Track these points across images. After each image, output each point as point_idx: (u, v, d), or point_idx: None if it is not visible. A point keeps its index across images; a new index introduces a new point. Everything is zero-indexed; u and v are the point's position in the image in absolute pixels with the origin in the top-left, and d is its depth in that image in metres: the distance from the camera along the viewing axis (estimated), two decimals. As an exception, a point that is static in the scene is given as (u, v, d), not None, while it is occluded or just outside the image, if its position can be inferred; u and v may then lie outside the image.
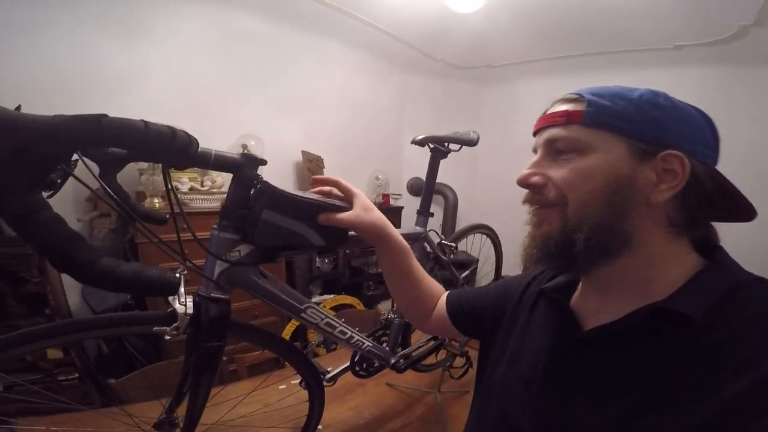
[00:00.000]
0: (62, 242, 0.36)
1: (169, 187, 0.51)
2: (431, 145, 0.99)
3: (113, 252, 1.85)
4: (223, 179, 2.15)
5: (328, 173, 2.73)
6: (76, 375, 1.53)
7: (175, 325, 0.59)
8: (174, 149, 0.44)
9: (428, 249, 1.05)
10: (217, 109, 2.24)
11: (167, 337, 0.60)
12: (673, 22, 2.26)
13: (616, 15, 2.27)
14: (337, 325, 0.83)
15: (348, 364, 1.07)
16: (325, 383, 0.94)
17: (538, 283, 0.60)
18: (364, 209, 0.65)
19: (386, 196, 3.15)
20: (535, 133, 0.52)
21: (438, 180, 3.75)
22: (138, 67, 1.95)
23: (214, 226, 0.62)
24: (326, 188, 0.68)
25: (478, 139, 0.96)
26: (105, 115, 0.38)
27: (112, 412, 0.83)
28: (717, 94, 2.44)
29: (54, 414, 1.69)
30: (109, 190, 0.43)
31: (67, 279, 1.72)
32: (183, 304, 0.60)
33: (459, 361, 1.25)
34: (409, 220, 3.26)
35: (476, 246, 1.38)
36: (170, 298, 0.60)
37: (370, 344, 0.94)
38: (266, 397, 1.08)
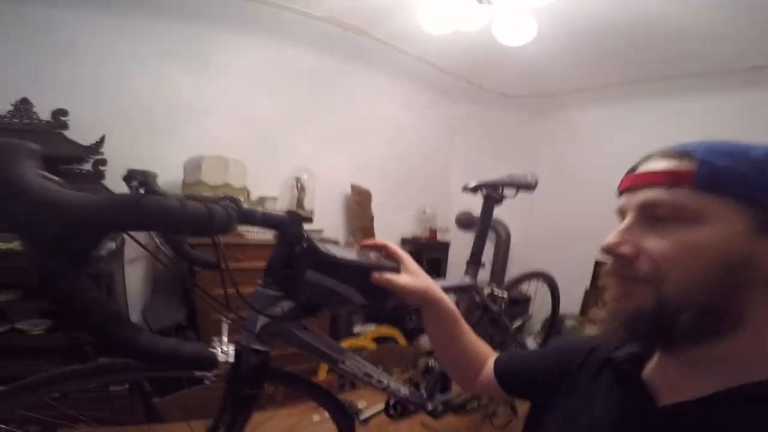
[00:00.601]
0: (104, 322, 0.37)
1: (217, 242, 0.52)
2: (484, 191, 0.94)
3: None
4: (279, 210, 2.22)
5: (376, 207, 2.73)
6: (126, 386, 1.58)
7: (215, 372, 0.58)
8: (213, 227, 0.44)
9: (477, 299, 0.98)
10: (273, 142, 2.34)
11: (206, 382, 0.60)
12: (746, 40, 2.05)
13: (678, 36, 2.11)
14: (375, 375, 0.83)
15: (383, 405, 1.04)
16: (358, 424, 0.90)
17: (605, 350, 0.54)
18: (414, 274, 0.64)
19: (434, 231, 3.08)
20: (622, 192, 0.46)
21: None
22: (204, 101, 2.11)
23: (259, 282, 0.62)
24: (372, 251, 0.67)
25: (536, 183, 0.89)
26: (143, 196, 0.39)
27: (155, 429, 0.85)
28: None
29: (101, 424, 1.76)
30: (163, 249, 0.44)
31: (130, 295, 1.85)
32: (225, 352, 0.59)
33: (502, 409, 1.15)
34: (457, 255, 3.21)
35: (531, 292, 1.27)
36: (214, 344, 0.60)
37: (407, 392, 0.92)
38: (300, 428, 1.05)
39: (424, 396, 1.01)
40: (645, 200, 0.41)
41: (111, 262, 1.59)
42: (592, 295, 3.07)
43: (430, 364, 1.03)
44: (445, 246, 3.13)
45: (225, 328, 0.64)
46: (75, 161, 1.58)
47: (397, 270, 0.64)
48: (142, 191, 0.43)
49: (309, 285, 0.58)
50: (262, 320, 0.61)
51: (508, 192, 0.94)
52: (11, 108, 1.54)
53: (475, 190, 0.94)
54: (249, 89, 2.26)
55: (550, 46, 2.32)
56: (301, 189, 2.33)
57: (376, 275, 0.61)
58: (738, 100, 2.38)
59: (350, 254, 0.62)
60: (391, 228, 2.96)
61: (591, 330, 2.97)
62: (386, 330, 2.48)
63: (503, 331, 1.05)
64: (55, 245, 0.32)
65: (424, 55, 2.64)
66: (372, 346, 2.12)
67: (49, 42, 1.69)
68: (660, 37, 2.15)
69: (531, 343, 1.25)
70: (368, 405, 1.00)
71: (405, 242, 3.06)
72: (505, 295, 0.98)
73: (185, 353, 0.46)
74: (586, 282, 3.10)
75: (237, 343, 0.63)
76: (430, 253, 3.02)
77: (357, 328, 2.51)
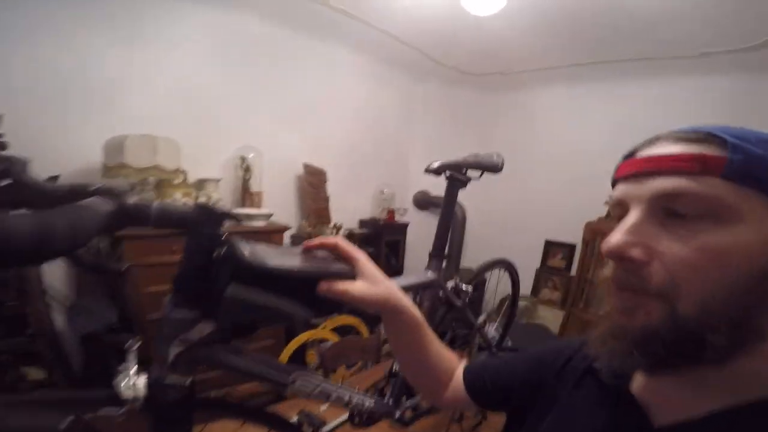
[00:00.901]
0: None
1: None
2: (448, 173, 0.83)
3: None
4: (221, 194, 2.01)
5: (331, 187, 2.59)
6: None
7: (122, 410, 0.46)
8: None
9: (441, 295, 0.90)
10: (214, 119, 2.10)
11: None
12: (701, 28, 2.12)
13: (642, 21, 2.13)
14: (333, 392, 0.71)
15: (347, 415, 0.96)
16: None
17: (583, 358, 0.48)
18: (372, 278, 0.51)
19: (391, 212, 3.01)
20: (620, 178, 0.37)
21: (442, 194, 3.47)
22: (137, 74, 1.83)
23: (168, 298, 0.48)
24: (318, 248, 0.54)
25: (502, 164, 0.81)
26: None
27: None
28: (745, 102, 2.30)
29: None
30: None
31: (52, 298, 1.59)
32: (130, 386, 0.46)
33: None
34: (415, 236, 3.18)
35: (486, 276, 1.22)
36: (115, 381, 0.47)
37: (371, 403, 0.82)
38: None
39: (391, 403, 0.94)
40: (661, 190, 0.32)
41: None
42: (543, 275, 3.18)
43: (394, 368, 0.95)
44: (403, 227, 3.08)
45: (132, 352, 0.50)
46: None
47: (350, 275, 0.51)
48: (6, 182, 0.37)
49: (233, 302, 0.44)
50: (177, 347, 0.48)
51: (472, 174, 0.85)
52: None
53: (438, 171, 0.83)
54: (185, 60, 1.98)
55: (515, 21, 2.24)
56: (246, 169, 2.12)
57: (324, 286, 0.48)
58: (691, 83, 2.48)
59: (290, 258, 0.49)
60: (347, 210, 2.85)
61: (543, 312, 3.09)
62: (347, 319, 2.38)
63: (467, 326, 0.99)
64: None
65: (386, 27, 2.46)
66: (332, 337, 2.02)
67: None
68: (619, 20, 2.14)
69: (492, 332, 1.21)
70: (329, 411, 0.90)
71: (363, 224, 2.98)
72: (470, 289, 0.91)
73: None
74: (537, 262, 3.20)
75: (150, 377, 0.49)
76: (389, 234, 2.96)
77: (315, 319, 2.39)
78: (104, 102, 1.73)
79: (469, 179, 0.84)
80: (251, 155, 2.14)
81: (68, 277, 1.72)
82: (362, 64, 2.80)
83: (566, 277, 3.08)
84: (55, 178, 1.50)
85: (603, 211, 2.84)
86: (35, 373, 1.43)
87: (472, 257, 2.32)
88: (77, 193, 0.39)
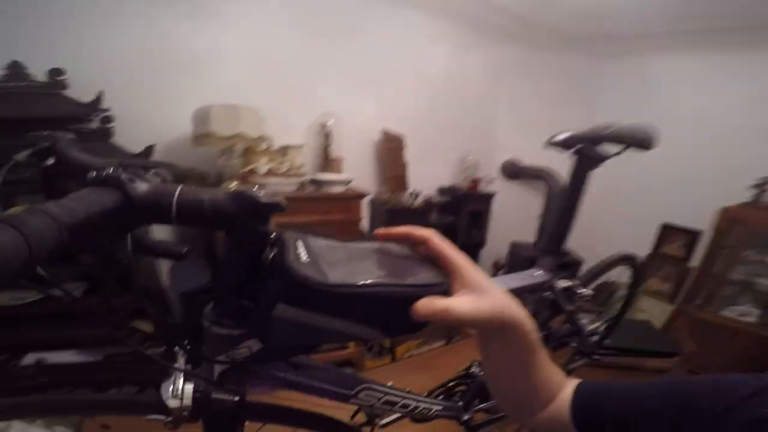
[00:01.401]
0: None
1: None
2: (579, 148, 0.64)
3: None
4: (303, 160, 2.01)
5: (410, 154, 2.46)
6: (164, 349, 1.59)
7: (169, 419, 0.43)
8: None
9: (550, 296, 0.73)
10: (295, 87, 2.07)
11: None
12: None
13: None
14: (399, 400, 0.64)
15: None
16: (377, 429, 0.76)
17: (760, 404, 0.32)
18: (480, 290, 0.36)
19: (475, 180, 2.78)
20: None
21: (538, 163, 3.16)
22: (214, 46, 1.85)
23: (209, 308, 0.42)
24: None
25: (656, 139, 0.59)
26: None
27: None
28: None
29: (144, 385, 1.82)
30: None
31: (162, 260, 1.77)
32: (178, 396, 0.42)
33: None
34: (501, 207, 2.93)
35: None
36: (163, 386, 0.43)
37: (439, 408, 0.75)
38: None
39: (460, 404, 0.84)
40: None
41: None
42: (654, 263, 2.72)
43: (472, 369, 0.83)
44: (488, 197, 2.85)
45: (182, 356, 0.45)
46: (78, 120, 1.47)
47: (445, 288, 0.37)
48: (50, 162, 0.34)
49: (283, 325, 0.35)
50: (222, 365, 0.42)
51: (609, 149, 0.64)
52: (4, 72, 1.42)
53: (568, 145, 0.64)
54: (263, 31, 1.96)
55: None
56: (326, 136, 2.09)
57: (421, 308, 0.34)
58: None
59: (359, 265, 0.37)
60: (426, 177, 2.71)
61: (647, 303, 2.67)
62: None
63: (574, 332, 0.82)
64: None
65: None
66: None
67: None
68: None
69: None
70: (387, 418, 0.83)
71: (443, 192, 2.83)
72: (590, 293, 0.73)
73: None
74: (646, 247, 2.74)
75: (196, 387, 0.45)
76: (471, 204, 2.76)
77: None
78: (193, 75, 1.79)
79: (604, 157, 0.64)
80: (331, 121, 2.09)
81: (170, 238, 1.89)
82: (444, 26, 2.53)
83: (683, 268, 2.60)
84: (150, 147, 1.60)
85: (744, 196, 2.30)
86: (145, 327, 1.61)
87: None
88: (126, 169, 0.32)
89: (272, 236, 0.35)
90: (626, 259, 0.87)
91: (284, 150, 1.97)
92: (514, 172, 3.29)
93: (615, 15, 2.35)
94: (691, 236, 2.57)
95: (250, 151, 1.80)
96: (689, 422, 0.35)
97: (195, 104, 1.65)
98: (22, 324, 1.54)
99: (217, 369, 0.43)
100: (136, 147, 1.58)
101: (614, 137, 0.60)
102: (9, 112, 1.33)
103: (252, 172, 1.77)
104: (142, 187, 0.31)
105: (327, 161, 2.10)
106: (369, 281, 0.34)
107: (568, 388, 0.45)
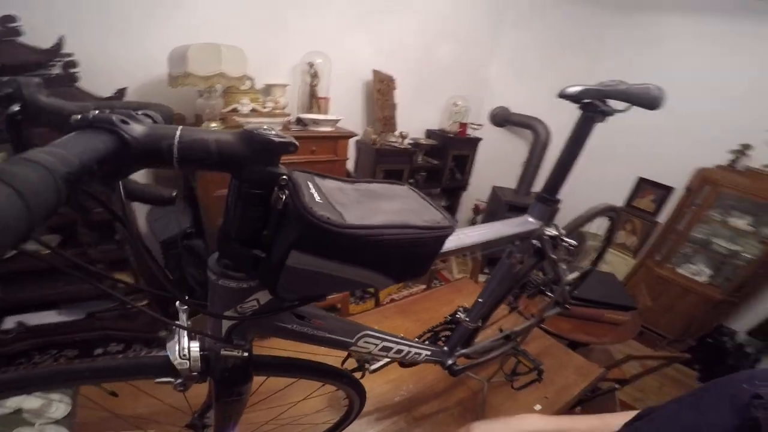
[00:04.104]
0: None
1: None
2: (588, 102, 0.64)
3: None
4: (287, 99, 1.92)
5: (400, 95, 2.40)
6: (146, 302, 1.58)
7: (179, 381, 0.42)
8: None
9: (537, 245, 0.77)
10: (281, 24, 1.90)
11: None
12: None
13: None
14: (394, 346, 0.68)
15: None
16: (368, 374, 0.80)
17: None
18: None
19: (463, 125, 2.77)
20: None
21: (527, 113, 3.15)
22: None
23: (213, 260, 0.40)
24: None
25: (663, 99, 0.59)
26: None
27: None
28: None
29: (129, 342, 1.76)
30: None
31: (136, 206, 1.70)
32: (185, 356, 0.42)
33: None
34: (486, 153, 2.91)
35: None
36: (168, 346, 0.42)
37: (428, 353, 0.80)
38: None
39: (445, 350, 0.90)
40: None
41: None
42: (625, 215, 2.85)
43: (458, 315, 0.89)
44: (474, 142, 2.87)
45: (183, 312, 0.45)
46: (37, 67, 1.36)
47: (450, 229, 0.40)
48: (16, 108, 0.31)
49: (296, 275, 0.34)
50: (230, 320, 0.42)
51: (615, 105, 0.65)
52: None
53: (578, 98, 0.64)
54: None
55: None
56: (314, 75, 1.97)
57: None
58: None
59: (370, 204, 0.37)
60: (416, 119, 2.68)
61: (611, 257, 2.82)
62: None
63: (555, 280, 0.87)
64: None
65: None
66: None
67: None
68: None
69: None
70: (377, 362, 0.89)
71: (430, 134, 2.82)
72: (574, 243, 0.77)
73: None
74: (620, 199, 2.86)
75: (204, 343, 0.45)
76: (457, 148, 2.78)
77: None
78: (166, 12, 1.61)
79: (612, 112, 0.64)
80: (319, 61, 1.98)
81: (148, 180, 1.79)
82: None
83: (651, 222, 2.75)
84: (122, 90, 1.49)
85: (724, 158, 2.38)
86: (126, 278, 1.57)
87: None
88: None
89: (283, 177, 0.32)
90: (609, 211, 0.91)
91: (268, 89, 1.89)
92: (504, 119, 3.28)
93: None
94: (664, 191, 2.69)
95: (231, 91, 1.71)
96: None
97: (170, 43, 1.51)
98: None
99: (225, 324, 0.43)
100: (106, 91, 1.46)
101: (622, 95, 0.61)
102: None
103: (234, 111, 1.68)
104: (138, 129, 0.28)
105: (314, 101, 2.02)
106: (384, 222, 0.34)
107: None
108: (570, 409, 1.15)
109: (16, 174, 0.19)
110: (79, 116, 0.27)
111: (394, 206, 0.39)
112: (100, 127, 0.27)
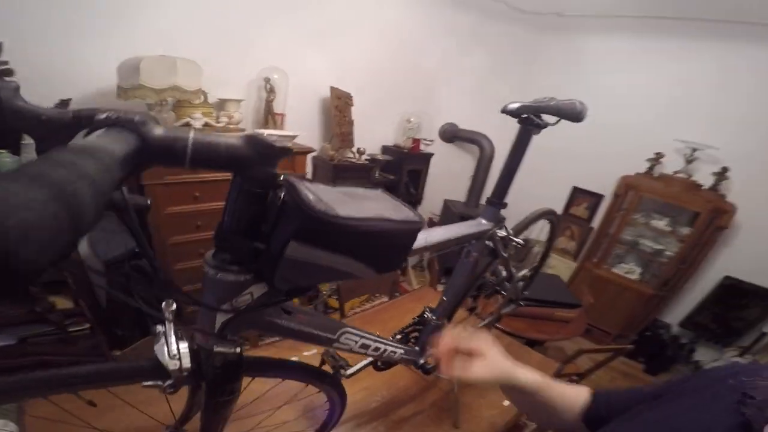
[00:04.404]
0: None
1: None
2: (525, 116, 0.74)
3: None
4: (242, 114, 1.91)
5: (356, 112, 2.46)
6: (87, 326, 1.45)
7: (168, 382, 0.42)
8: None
9: (490, 245, 0.85)
10: (238, 39, 1.91)
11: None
12: None
13: None
14: (372, 343, 0.72)
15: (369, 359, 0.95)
16: (343, 379, 0.83)
17: (746, 380, 0.38)
18: (493, 365, 0.56)
19: (416, 141, 2.90)
20: None
21: (475, 129, 3.33)
22: None
23: (209, 256, 0.41)
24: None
25: (585, 113, 0.71)
26: None
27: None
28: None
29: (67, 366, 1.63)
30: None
31: None
32: (175, 356, 0.42)
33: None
34: (438, 167, 3.07)
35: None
36: (156, 348, 0.42)
37: (402, 351, 0.85)
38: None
39: (417, 350, 0.95)
40: None
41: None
42: (563, 222, 3.12)
43: (425, 314, 0.94)
44: (427, 157, 3.01)
45: (170, 312, 0.45)
46: None
47: (421, 224, 0.47)
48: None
49: (294, 265, 0.38)
50: (224, 314, 0.43)
51: (548, 119, 0.75)
52: None
53: (517, 114, 0.74)
54: None
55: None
56: (270, 91, 1.98)
57: (444, 368, 0.54)
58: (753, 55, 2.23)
59: (356, 203, 0.41)
60: (371, 136, 2.75)
61: (555, 261, 3.07)
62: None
63: (507, 278, 0.96)
64: None
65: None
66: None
67: None
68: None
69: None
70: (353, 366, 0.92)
71: (386, 150, 2.91)
72: (521, 242, 0.87)
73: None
74: (559, 208, 3.12)
75: (193, 342, 0.45)
76: (411, 163, 2.91)
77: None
78: (115, 21, 1.56)
79: (545, 125, 0.75)
80: (276, 76, 1.99)
81: None
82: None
83: (586, 228, 3.04)
84: (66, 102, 1.40)
85: (643, 166, 2.70)
86: (62, 303, 1.44)
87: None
88: (83, 118, 0.29)
89: (281, 178, 0.37)
90: (549, 214, 1.03)
91: (222, 104, 1.86)
92: (452, 134, 3.46)
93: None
94: (595, 199, 2.98)
95: (182, 105, 1.68)
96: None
97: (120, 54, 1.47)
98: None
99: (219, 321, 0.43)
100: (47, 102, 1.36)
101: (552, 110, 0.71)
102: None
103: (186, 125, 1.65)
104: (158, 130, 0.30)
105: (270, 116, 2.02)
106: (373, 215, 0.40)
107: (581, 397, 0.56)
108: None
109: (49, 176, 0.17)
110: (103, 116, 0.28)
111: (375, 205, 0.44)
112: (126, 127, 0.28)
